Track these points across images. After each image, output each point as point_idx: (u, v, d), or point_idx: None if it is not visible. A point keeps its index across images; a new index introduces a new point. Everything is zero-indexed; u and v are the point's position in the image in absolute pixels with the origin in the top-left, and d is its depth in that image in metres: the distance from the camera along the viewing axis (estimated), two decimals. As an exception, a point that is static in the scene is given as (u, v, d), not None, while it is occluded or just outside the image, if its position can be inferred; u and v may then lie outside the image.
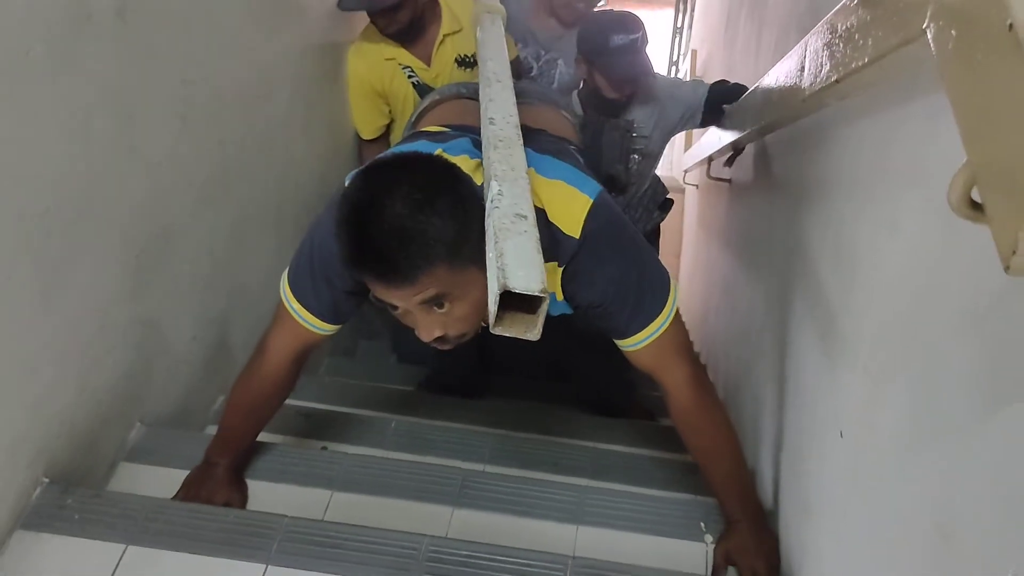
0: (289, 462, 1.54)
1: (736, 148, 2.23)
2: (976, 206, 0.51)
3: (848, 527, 1.04)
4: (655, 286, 1.28)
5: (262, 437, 1.57)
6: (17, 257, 1.15)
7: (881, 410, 0.95)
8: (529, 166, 1.24)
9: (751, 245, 2.18)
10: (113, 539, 1.26)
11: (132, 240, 1.45)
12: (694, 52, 4.91)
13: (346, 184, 1.13)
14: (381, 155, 1.16)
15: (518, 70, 2.54)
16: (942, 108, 0.63)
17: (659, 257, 2.67)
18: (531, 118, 1.58)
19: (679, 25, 6.17)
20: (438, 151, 1.23)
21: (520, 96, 1.60)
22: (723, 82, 2.35)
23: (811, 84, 1.06)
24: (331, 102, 2.48)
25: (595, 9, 2.57)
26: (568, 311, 1.33)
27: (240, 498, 1.45)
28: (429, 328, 1.12)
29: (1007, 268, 0.44)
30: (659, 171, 2.66)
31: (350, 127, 2.64)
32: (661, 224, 2.74)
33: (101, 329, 1.39)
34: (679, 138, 4.78)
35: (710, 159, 2.74)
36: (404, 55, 2.43)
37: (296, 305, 1.31)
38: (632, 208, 2.49)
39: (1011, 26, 0.45)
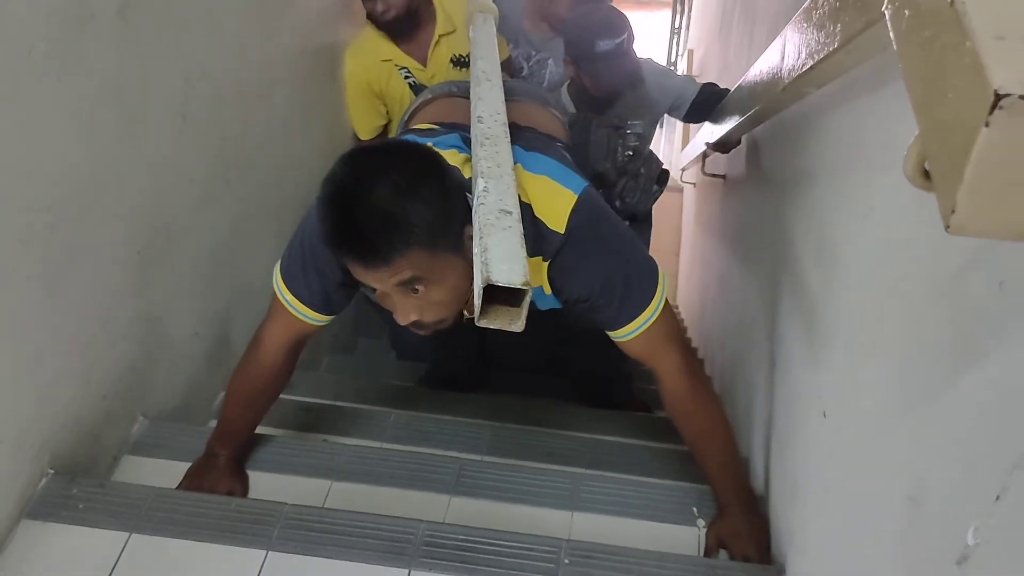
0: (289, 453, 1.57)
1: (729, 142, 2.26)
2: (929, 175, 0.54)
3: (830, 504, 1.07)
4: (642, 278, 1.30)
5: (263, 431, 1.60)
6: (22, 251, 1.19)
7: (859, 388, 0.98)
8: (516, 162, 1.28)
9: (744, 239, 2.21)
10: (117, 527, 1.29)
11: (135, 236, 1.48)
12: (691, 52, 4.96)
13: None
14: (368, 142, 1.20)
15: (510, 69, 2.57)
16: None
17: (654, 242, 2.71)
18: (520, 116, 1.61)
19: (677, 26, 6.22)
20: (427, 144, 1.26)
21: (509, 94, 1.63)
22: (714, 85, 2.38)
23: (789, 73, 1.09)
24: (330, 102, 2.51)
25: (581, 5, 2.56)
26: (557, 305, 1.36)
27: (241, 488, 1.48)
28: (405, 311, 1.14)
29: (947, 227, 0.47)
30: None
31: (349, 127, 2.67)
32: (657, 213, 2.75)
33: (105, 324, 1.42)
34: (678, 139, 4.82)
35: (704, 155, 2.77)
36: (400, 56, 2.46)
37: (289, 296, 1.34)
38: (631, 191, 2.49)
39: (952, 2, 0.49)
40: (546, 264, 1.26)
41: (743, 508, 1.41)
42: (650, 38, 6.93)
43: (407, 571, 1.25)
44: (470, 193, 1.22)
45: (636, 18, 2.94)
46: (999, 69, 0.43)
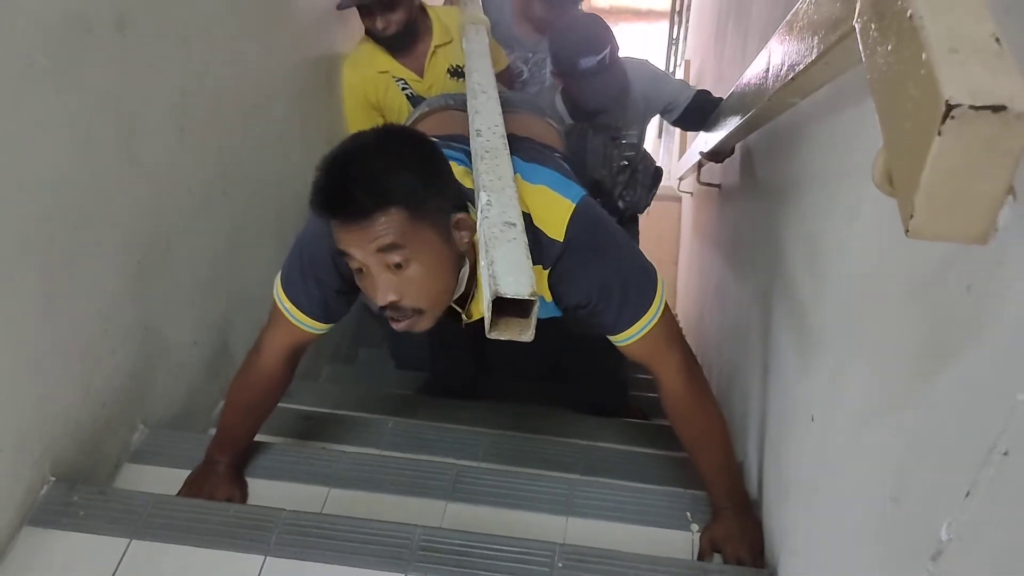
0: (288, 460, 1.59)
1: (722, 152, 2.28)
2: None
3: (818, 504, 1.09)
4: (641, 283, 1.32)
5: (264, 439, 1.62)
6: (22, 260, 1.21)
7: (843, 391, 1.00)
8: (515, 173, 1.30)
9: (738, 247, 2.23)
10: (117, 534, 1.31)
11: (133, 246, 1.50)
12: (687, 63, 4.99)
13: None
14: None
15: (508, 78, 2.59)
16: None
17: (653, 252, 2.72)
18: (517, 126, 1.63)
19: (674, 37, 6.25)
20: None
21: (506, 105, 1.66)
22: (707, 93, 2.39)
23: (773, 84, 1.11)
24: (327, 113, 2.54)
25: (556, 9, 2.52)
26: (557, 313, 1.38)
27: (241, 495, 1.50)
28: (385, 289, 1.14)
29: (907, 231, 0.49)
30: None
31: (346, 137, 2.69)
32: (656, 223, 2.76)
33: (104, 332, 1.44)
34: (676, 148, 4.85)
35: (700, 165, 2.80)
36: (397, 67, 2.48)
37: (288, 304, 1.36)
38: (631, 187, 2.49)
39: (911, 16, 0.51)
40: (546, 272, 1.28)
41: (737, 511, 1.43)
42: (648, 49, 6.97)
43: (404, 575, 1.26)
44: (471, 203, 1.25)
45: (634, 30, 2.97)
46: (951, 81, 0.45)
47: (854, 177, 1.05)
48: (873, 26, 0.60)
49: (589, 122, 2.34)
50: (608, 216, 1.38)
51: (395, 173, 1.10)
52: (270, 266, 2.12)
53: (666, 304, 1.35)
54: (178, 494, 1.47)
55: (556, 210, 1.28)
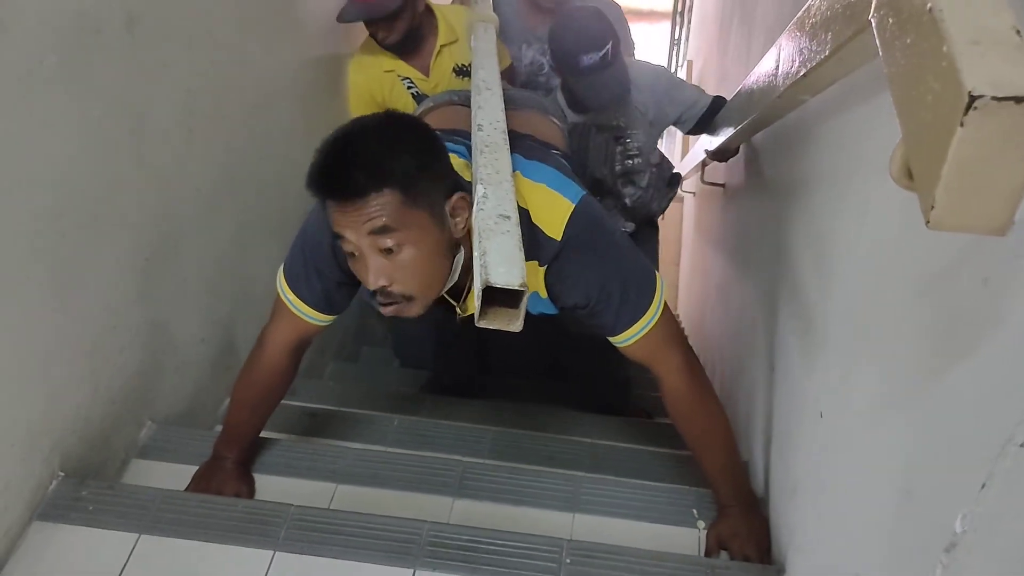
0: (295, 456, 1.59)
1: (727, 151, 2.28)
2: (912, 176, 0.57)
3: (826, 501, 1.09)
4: (640, 284, 1.32)
5: (269, 435, 1.62)
6: (32, 258, 1.21)
7: (852, 387, 1.00)
8: (515, 170, 1.31)
9: (743, 246, 2.23)
10: (126, 528, 1.32)
11: (142, 244, 1.51)
12: (690, 63, 5.00)
13: None
14: None
15: (511, 76, 2.59)
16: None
17: (660, 248, 2.70)
18: (520, 124, 1.64)
19: (676, 37, 6.25)
20: None
21: (510, 103, 1.66)
22: (722, 99, 2.28)
23: (784, 81, 1.12)
24: (332, 113, 2.54)
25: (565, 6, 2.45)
26: (552, 311, 1.38)
27: (248, 490, 1.50)
28: (376, 273, 1.14)
29: (928, 223, 0.49)
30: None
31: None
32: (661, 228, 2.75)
33: (113, 329, 1.45)
34: (679, 148, 4.86)
35: (703, 164, 2.80)
36: (403, 67, 2.49)
37: (291, 296, 1.36)
38: (647, 189, 2.46)
39: (930, 9, 0.51)
40: (542, 269, 1.28)
41: (743, 509, 1.43)
42: (650, 50, 6.97)
43: (412, 571, 1.27)
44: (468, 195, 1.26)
45: (636, 30, 2.95)
46: (973, 72, 0.46)
47: (864, 176, 1.06)
48: (891, 20, 0.60)
49: (593, 120, 2.33)
50: (608, 217, 1.39)
51: (393, 155, 1.10)
52: (274, 265, 2.10)
53: (666, 304, 1.36)
54: (186, 489, 1.47)
55: (555, 209, 1.29)
